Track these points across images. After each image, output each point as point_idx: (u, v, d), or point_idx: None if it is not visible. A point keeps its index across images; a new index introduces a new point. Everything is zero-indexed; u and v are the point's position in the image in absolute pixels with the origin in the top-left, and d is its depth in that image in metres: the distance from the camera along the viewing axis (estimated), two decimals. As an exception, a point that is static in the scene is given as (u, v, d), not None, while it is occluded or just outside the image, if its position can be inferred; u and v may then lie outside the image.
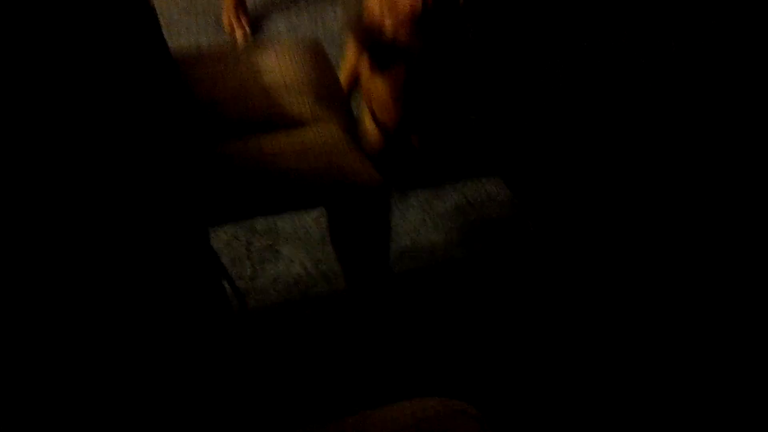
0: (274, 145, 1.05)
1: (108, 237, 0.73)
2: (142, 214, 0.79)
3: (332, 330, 1.40)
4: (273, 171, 1.03)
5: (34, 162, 0.66)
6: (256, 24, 1.99)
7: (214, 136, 1.06)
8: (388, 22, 1.32)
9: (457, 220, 1.57)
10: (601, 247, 1.40)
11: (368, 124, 1.50)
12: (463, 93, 1.66)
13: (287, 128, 1.10)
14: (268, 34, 1.96)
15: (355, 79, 1.70)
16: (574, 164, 1.48)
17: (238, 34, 1.98)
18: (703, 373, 1.29)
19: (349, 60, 1.67)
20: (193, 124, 0.99)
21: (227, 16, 2.00)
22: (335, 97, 1.20)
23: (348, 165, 1.06)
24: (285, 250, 1.52)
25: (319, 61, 1.23)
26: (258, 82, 1.15)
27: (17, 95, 0.65)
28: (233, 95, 1.13)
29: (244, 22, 2.00)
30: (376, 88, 1.40)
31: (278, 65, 1.17)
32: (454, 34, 1.37)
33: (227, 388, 0.88)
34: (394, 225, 1.53)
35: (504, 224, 1.53)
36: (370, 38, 1.33)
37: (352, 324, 1.41)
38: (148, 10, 1.03)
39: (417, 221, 1.58)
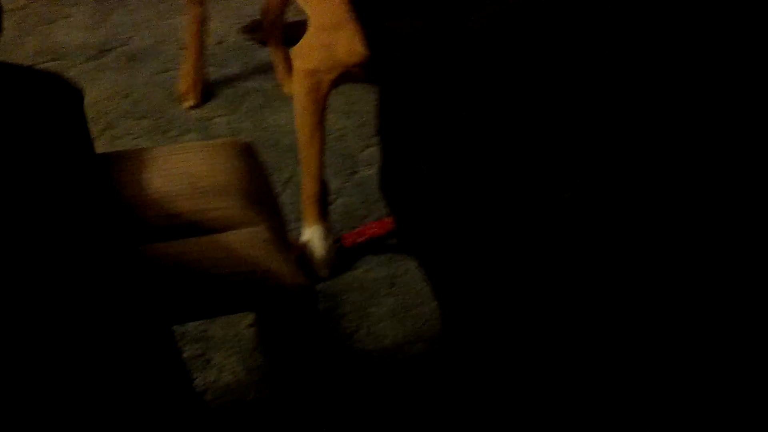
0: (199, 249, 1.03)
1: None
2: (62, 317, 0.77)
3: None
4: (197, 275, 1.00)
5: None
6: (198, 123, 2.00)
7: (138, 240, 1.03)
8: None
9: (393, 329, 1.53)
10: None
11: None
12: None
13: (215, 232, 1.08)
14: (208, 138, 1.97)
15: None
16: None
17: (190, 100, 2.04)
18: (703, 373, 1.23)
19: None
20: (116, 227, 0.96)
21: (184, 81, 2.04)
22: (265, 200, 1.18)
23: (274, 268, 1.04)
24: (216, 357, 1.47)
25: (251, 163, 1.22)
26: (187, 184, 1.13)
27: None
28: (161, 197, 1.11)
29: (198, 89, 2.06)
30: None
31: (209, 168, 1.16)
32: None
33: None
34: (328, 330, 1.50)
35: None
36: None
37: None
38: (77, 116, 1.03)
39: (351, 329, 1.55)
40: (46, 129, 0.91)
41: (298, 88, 1.59)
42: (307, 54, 1.55)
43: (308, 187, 1.64)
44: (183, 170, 1.15)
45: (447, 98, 1.29)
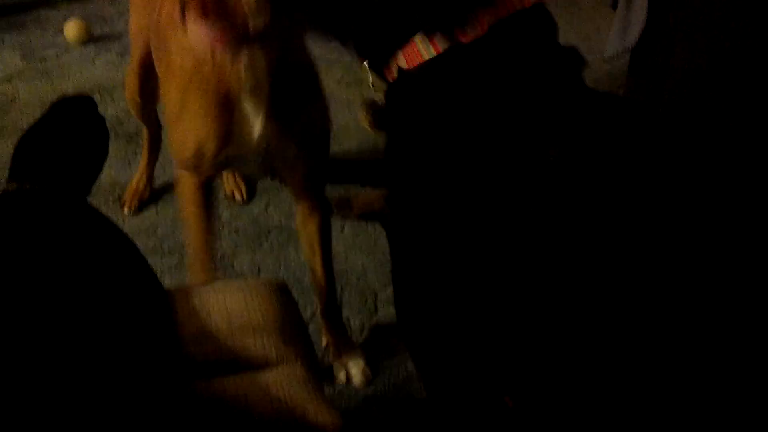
0: (238, 388, 1.05)
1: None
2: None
3: None
4: (237, 414, 1.02)
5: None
6: (221, 262, 2.04)
7: (180, 376, 1.05)
8: None
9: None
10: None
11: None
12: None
13: (252, 369, 1.10)
14: (233, 273, 2.01)
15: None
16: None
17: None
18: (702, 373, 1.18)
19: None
20: (175, 362, 1.00)
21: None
22: (300, 338, 1.21)
23: (311, 407, 1.05)
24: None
25: (285, 302, 1.26)
26: (224, 322, 1.16)
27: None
28: (199, 335, 1.14)
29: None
30: None
31: (245, 306, 1.20)
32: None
33: None
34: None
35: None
36: None
37: None
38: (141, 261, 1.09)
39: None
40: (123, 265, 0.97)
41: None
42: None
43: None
44: (221, 308, 1.19)
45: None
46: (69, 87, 2.77)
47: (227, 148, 1.43)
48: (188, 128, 1.41)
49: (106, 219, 1.09)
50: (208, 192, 1.61)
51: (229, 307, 1.19)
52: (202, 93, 1.35)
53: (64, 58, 2.94)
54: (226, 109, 1.36)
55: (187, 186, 1.58)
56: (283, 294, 1.27)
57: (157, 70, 1.63)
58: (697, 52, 2.24)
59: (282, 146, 1.44)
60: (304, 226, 1.67)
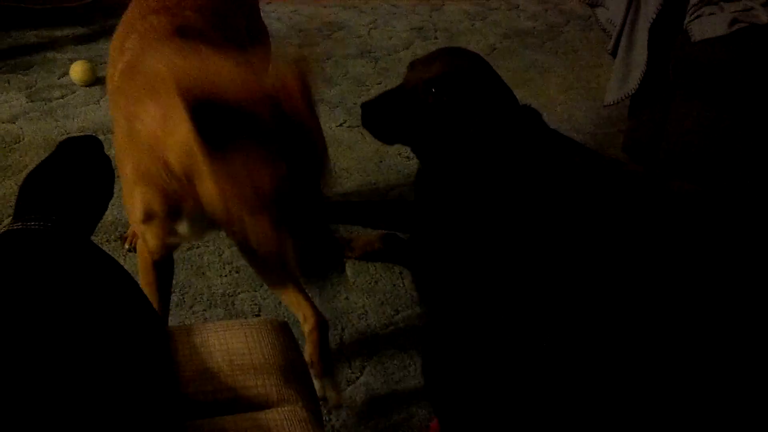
0: (238, 428, 1.04)
1: None
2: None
3: None
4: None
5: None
6: (221, 301, 2.04)
7: (178, 416, 1.05)
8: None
9: None
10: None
11: None
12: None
13: (253, 410, 1.09)
14: (233, 312, 2.00)
15: None
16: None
17: None
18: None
19: None
20: (172, 401, 0.99)
21: None
22: (301, 378, 1.21)
23: (312, 449, 1.04)
24: None
25: (286, 341, 1.26)
26: (225, 361, 1.16)
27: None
28: (199, 374, 1.13)
29: None
30: None
31: (246, 345, 1.20)
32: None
33: None
34: None
35: None
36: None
37: None
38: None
39: None
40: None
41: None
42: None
43: None
44: (222, 348, 1.19)
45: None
46: (74, 127, 2.80)
47: (171, 237, 1.47)
48: (138, 203, 1.41)
49: (109, 257, 1.09)
50: (164, 268, 1.62)
51: (231, 347, 1.19)
52: (159, 188, 1.34)
53: (69, 99, 2.97)
54: (176, 210, 1.38)
55: (142, 259, 1.60)
56: (284, 334, 1.27)
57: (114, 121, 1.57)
58: (696, 99, 2.27)
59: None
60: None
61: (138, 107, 1.28)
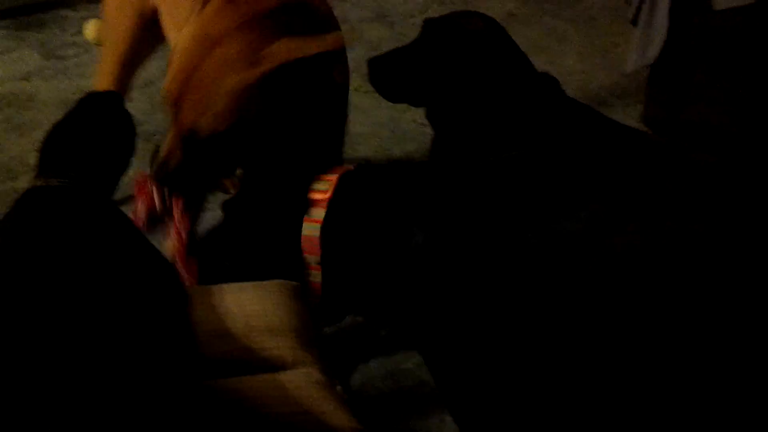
0: (254, 388, 1.05)
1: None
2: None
3: None
4: (253, 414, 1.02)
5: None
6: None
7: (195, 374, 1.05)
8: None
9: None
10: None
11: None
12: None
13: (268, 371, 1.10)
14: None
15: None
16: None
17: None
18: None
19: None
20: (189, 359, 1.00)
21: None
22: (314, 341, 1.21)
23: (328, 411, 1.05)
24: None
25: (300, 304, 1.26)
26: (241, 322, 1.17)
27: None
28: (216, 334, 1.14)
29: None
30: None
31: (262, 307, 1.20)
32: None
33: None
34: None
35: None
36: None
37: None
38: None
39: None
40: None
41: None
42: None
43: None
44: (238, 309, 1.19)
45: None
46: (87, 86, 2.77)
47: None
48: None
49: (127, 218, 1.09)
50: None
51: (247, 308, 1.20)
52: None
53: (83, 58, 2.95)
54: None
55: None
56: (298, 297, 1.28)
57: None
58: (717, 69, 2.24)
59: None
60: None
61: None
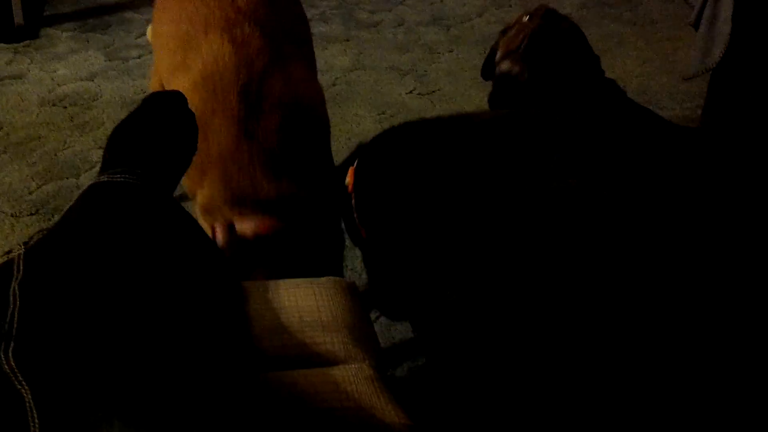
0: (308, 382, 1.06)
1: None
2: None
3: None
4: (306, 408, 1.03)
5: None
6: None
7: (251, 367, 1.07)
8: None
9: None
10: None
11: None
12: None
13: (321, 365, 1.11)
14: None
15: None
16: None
17: None
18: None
19: None
20: (246, 353, 1.02)
21: None
22: (367, 337, 1.23)
23: (380, 406, 1.06)
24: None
25: (353, 301, 1.27)
26: (295, 318, 1.18)
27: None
28: (271, 330, 1.16)
29: None
30: None
31: (316, 303, 1.22)
32: None
33: None
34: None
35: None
36: None
37: None
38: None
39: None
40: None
41: None
42: None
43: None
44: (292, 304, 1.21)
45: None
46: (150, 87, 2.86)
47: None
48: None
49: (188, 214, 1.12)
50: None
51: (300, 304, 1.22)
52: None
53: (145, 59, 3.03)
54: None
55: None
56: (351, 293, 1.29)
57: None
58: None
59: None
60: None
61: None
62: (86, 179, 2.33)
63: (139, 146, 1.08)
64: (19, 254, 1.01)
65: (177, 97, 1.16)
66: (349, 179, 1.47)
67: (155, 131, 1.09)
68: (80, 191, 1.05)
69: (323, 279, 1.30)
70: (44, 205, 2.22)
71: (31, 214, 2.19)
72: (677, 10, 3.61)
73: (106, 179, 1.05)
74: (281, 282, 1.27)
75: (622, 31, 3.49)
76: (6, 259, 1.03)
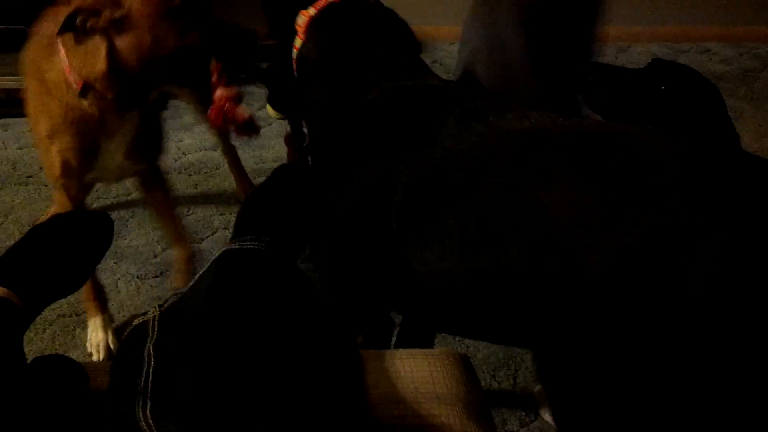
0: (423, 453, 1.07)
1: None
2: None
3: None
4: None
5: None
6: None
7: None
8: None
9: None
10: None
11: None
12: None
13: (436, 438, 1.12)
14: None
15: None
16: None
17: None
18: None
19: None
20: (361, 424, 1.04)
21: None
22: (481, 412, 1.22)
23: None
24: None
25: (468, 374, 1.27)
26: (410, 389, 1.19)
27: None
28: (386, 399, 1.17)
29: None
30: None
31: (430, 375, 1.23)
32: None
33: None
34: None
35: None
36: None
37: None
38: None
39: None
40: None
41: None
42: None
43: None
44: (407, 375, 1.22)
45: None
46: (269, 157, 2.98)
47: (90, 173, 1.84)
48: (57, 154, 1.76)
49: (310, 280, 1.16)
50: None
51: (415, 374, 1.23)
52: (74, 132, 1.71)
53: (265, 131, 3.17)
54: (93, 146, 1.76)
55: (61, 207, 1.89)
56: (465, 366, 1.29)
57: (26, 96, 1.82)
58: None
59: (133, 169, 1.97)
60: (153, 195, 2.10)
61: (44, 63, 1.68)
62: (209, 244, 2.44)
63: (268, 216, 1.14)
64: (154, 316, 1.08)
65: (303, 169, 1.22)
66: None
67: (283, 202, 1.15)
68: (202, 257, 1.11)
69: (437, 350, 1.31)
70: (168, 268, 2.33)
71: (156, 276, 2.30)
72: (796, 84, 3.52)
73: (236, 246, 1.11)
74: (396, 351, 1.28)
75: (738, 106, 3.41)
76: (141, 320, 1.10)
